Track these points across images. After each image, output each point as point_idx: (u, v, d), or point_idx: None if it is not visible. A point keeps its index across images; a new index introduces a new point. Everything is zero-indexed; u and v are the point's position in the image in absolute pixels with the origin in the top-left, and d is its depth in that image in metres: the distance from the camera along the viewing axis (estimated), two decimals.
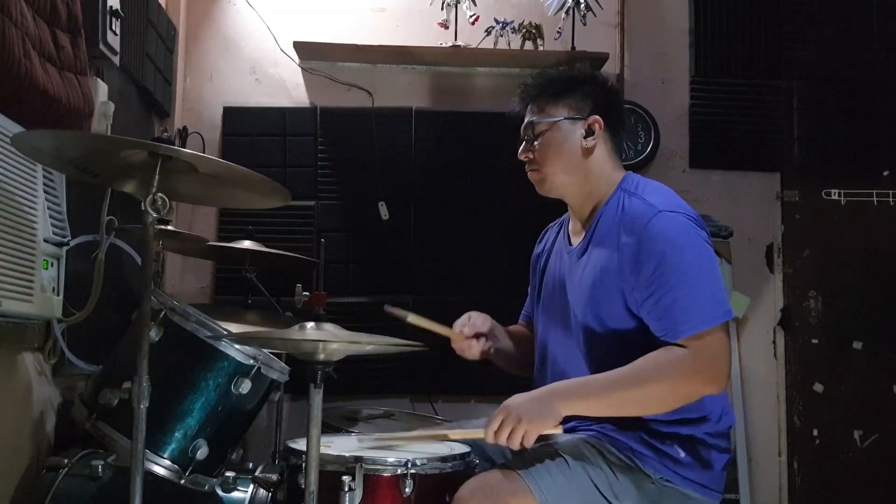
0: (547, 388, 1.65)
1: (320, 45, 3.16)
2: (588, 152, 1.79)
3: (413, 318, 1.82)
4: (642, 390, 1.57)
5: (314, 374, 1.42)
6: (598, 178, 1.80)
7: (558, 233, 1.96)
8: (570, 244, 1.86)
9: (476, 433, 1.66)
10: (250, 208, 1.85)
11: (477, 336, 1.88)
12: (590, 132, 1.79)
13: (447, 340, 1.91)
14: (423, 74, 3.30)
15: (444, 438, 1.77)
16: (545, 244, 2.01)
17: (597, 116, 1.79)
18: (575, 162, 1.79)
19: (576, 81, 1.83)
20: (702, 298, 1.59)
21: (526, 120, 1.84)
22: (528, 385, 1.93)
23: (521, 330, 2.08)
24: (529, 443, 1.56)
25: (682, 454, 1.65)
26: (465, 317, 1.91)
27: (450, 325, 1.90)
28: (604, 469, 1.62)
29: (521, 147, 1.84)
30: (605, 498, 1.60)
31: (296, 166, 3.21)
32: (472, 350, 1.88)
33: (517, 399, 1.61)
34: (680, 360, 1.56)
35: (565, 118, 1.79)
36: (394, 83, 3.28)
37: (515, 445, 1.56)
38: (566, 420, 1.74)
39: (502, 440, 1.56)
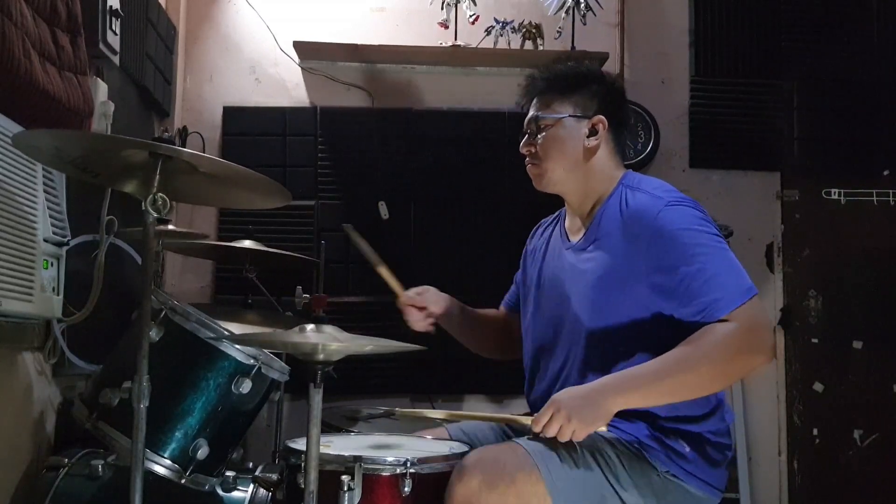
0: (597, 384, 1.61)
1: (320, 44, 3.16)
2: (590, 152, 1.79)
3: (370, 254, 1.91)
4: (695, 372, 1.55)
5: (314, 374, 1.42)
6: (599, 177, 1.80)
7: (553, 229, 1.96)
8: (569, 240, 1.86)
9: (524, 420, 1.65)
10: (250, 208, 1.85)
11: (421, 309, 1.92)
12: (593, 132, 1.79)
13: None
14: (422, 74, 3.30)
15: (487, 419, 1.78)
16: (539, 240, 2.00)
17: (601, 116, 1.79)
18: (576, 160, 1.79)
19: (584, 79, 1.83)
20: (732, 274, 1.60)
21: (530, 114, 1.84)
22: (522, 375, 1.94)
23: (496, 315, 2.10)
24: (579, 439, 1.56)
25: (688, 449, 1.66)
26: (421, 287, 1.95)
27: None
28: (612, 457, 1.62)
29: (523, 140, 1.84)
30: (612, 485, 1.59)
31: (296, 166, 3.21)
32: (412, 320, 1.93)
33: (567, 395, 1.59)
34: (728, 336, 1.54)
35: (570, 115, 1.79)
36: (394, 83, 3.28)
37: (565, 440, 1.55)
38: None
39: (550, 434, 1.55)
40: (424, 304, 1.93)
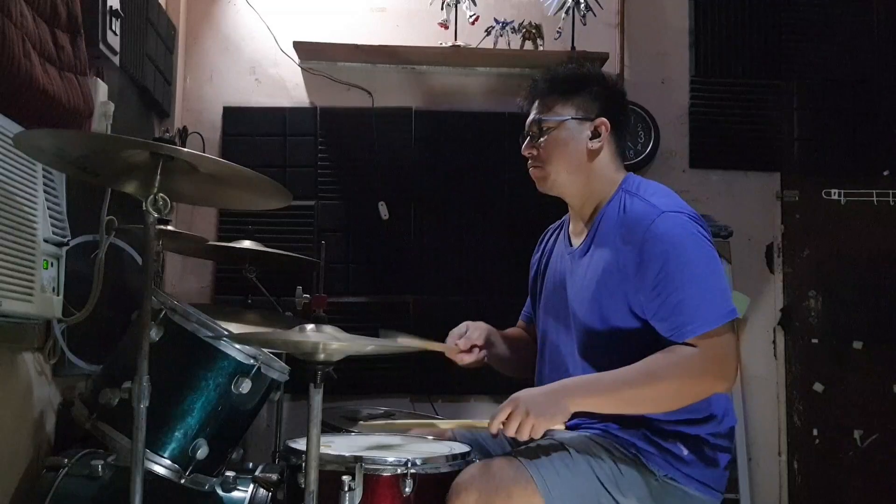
0: (557, 384, 1.64)
1: (320, 45, 3.16)
2: (593, 154, 1.79)
3: (403, 341, 1.82)
4: (652, 388, 1.58)
5: (314, 374, 1.42)
6: (600, 179, 1.80)
7: (558, 234, 1.97)
8: (571, 244, 1.86)
9: (480, 423, 1.66)
10: (250, 209, 1.85)
11: (471, 348, 1.88)
12: (596, 134, 1.79)
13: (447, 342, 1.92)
14: (423, 74, 3.30)
15: (444, 429, 1.77)
16: (545, 246, 2.01)
17: (604, 119, 1.79)
18: (579, 162, 1.79)
19: (585, 81, 1.82)
20: (708, 298, 1.60)
21: (532, 116, 1.83)
22: (528, 385, 1.94)
23: (519, 333, 2.08)
24: (537, 436, 1.56)
25: (686, 452, 1.66)
26: (462, 326, 1.91)
27: (449, 328, 1.91)
28: (608, 463, 1.62)
29: (525, 143, 1.84)
30: (608, 491, 1.60)
31: (296, 166, 3.21)
32: (466, 361, 1.88)
33: (527, 393, 1.61)
34: (689, 359, 1.56)
35: (573, 118, 1.79)
36: (394, 83, 3.28)
37: (523, 437, 1.56)
38: (572, 417, 1.74)
39: (510, 432, 1.55)
40: (473, 343, 1.88)
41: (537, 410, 1.55)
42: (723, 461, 1.72)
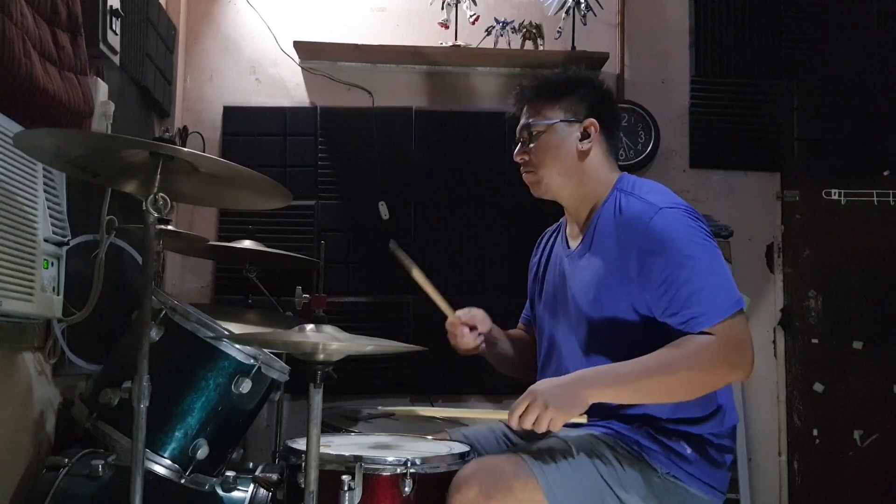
0: (574, 374, 1.64)
1: (320, 44, 3.16)
2: (584, 155, 1.80)
3: (417, 274, 1.82)
4: (670, 378, 1.57)
5: (314, 374, 1.42)
6: (594, 180, 1.81)
7: (555, 237, 1.98)
8: (569, 247, 1.87)
9: (498, 414, 1.65)
10: (250, 208, 1.85)
11: (472, 328, 1.89)
12: (585, 135, 1.80)
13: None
14: (423, 74, 3.30)
15: (465, 416, 1.77)
16: (543, 249, 2.02)
17: (592, 119, 1.80)
18: (571, 164, 1.80)
19: (571, 83, 1.84)
20: (717, 288, 1.60)
21: (522, 122, 1.85)
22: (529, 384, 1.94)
23: (521, 334, 2.09)
24: (556, 428, 1.56)
25: (689, 451, 1.66)
26: (466, 309, 1.92)
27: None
28: (611, 461, 1.62)
29: (517, 149, 1.85)
30: (611, 488, 1.60)
31: (296, 166, 3.21)
32: (465, 339, 1.90)
33: (544, 384, 1.61)
34: (707, 347, 1.56)
35: (561, 120, 1.80)
36: (394, 83, 3.28)
37: (542, 429, 1.55)
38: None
39: (527, 424, 1.55)
40: (475, 324, 1.91)
41: (556, 403, 1.55)
42: (725, 461, 1.72)
